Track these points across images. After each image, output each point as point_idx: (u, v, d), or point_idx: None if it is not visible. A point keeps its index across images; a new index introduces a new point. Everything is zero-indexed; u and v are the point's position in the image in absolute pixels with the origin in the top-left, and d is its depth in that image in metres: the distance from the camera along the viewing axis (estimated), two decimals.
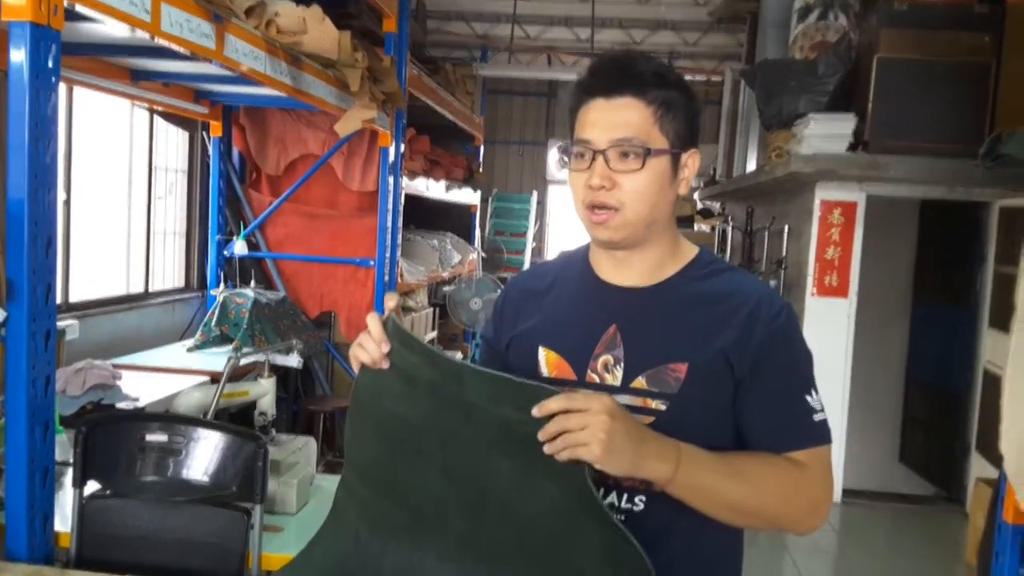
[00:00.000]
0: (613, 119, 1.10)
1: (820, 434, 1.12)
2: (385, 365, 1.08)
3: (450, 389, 1.05)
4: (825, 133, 4.41)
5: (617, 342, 1.14)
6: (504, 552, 1.07)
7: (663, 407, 1.10)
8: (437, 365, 1.06)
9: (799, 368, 1.14)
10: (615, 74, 1.12)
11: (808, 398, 1.12)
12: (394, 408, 1.10)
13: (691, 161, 1.16)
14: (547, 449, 0.97)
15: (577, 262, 1.25)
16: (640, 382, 1.11)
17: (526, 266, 9.16)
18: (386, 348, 1.06)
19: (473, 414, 1.04)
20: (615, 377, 1.13)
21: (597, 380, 1.14)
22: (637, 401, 1.11)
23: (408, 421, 1.09)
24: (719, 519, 1.09)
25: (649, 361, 1.12)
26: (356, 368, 1.12)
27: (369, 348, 1.07)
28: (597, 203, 1.11)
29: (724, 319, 1.12)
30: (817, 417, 1.12)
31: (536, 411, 0.97)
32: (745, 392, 1.11)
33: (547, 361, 1.18)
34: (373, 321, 1.07)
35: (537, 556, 1.05)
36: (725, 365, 1.10)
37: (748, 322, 1.11)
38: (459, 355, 7.03)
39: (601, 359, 1.14)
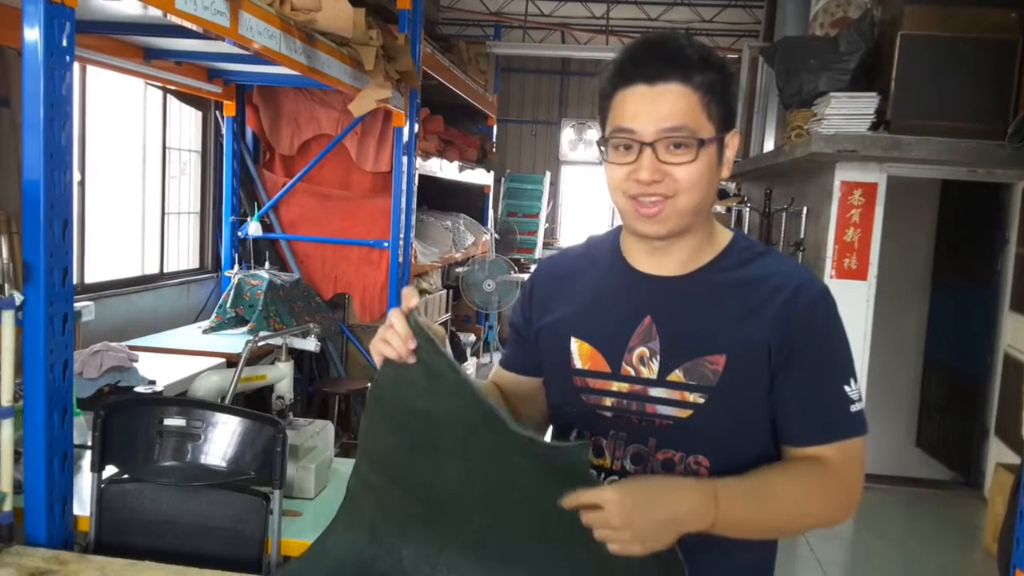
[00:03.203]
0: (659, 109, 1.04)
1: (855, 426, 1.09)
2: (411, 360, 1.04)
3: (467, 397, 1.03)
4: (846, 112, 4.33)
5: (652, 334, 1.11)
6: (528, 543, 1.06)
7: (701, 400, 1.07)
8: (455, 373, 1.04)
9: (837, 356, 1.10)
10: (659, 58, 1.05)
11: (846, 388, 1.08)
12: (415, 402, 1.08)
13: (732, 142, 1.11)
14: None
15: (607, 249, 1.21)
16: (677, 375, 1.08)
17: (539, 247, 9.12)
18: (412, 345, 1.02)
19: (495, 424, 1.02)
20: (651, 370, 1.10)
21: (632, 373, 1.11)
22: (675, 395, 1.09)
23: (428, 415, 1.07)
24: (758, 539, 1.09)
25: (686, 353, 1.08)
26: (379, 362, 1.08)
27: (395, 343, 1.03)
28: (647, 194, 1.06)
29: (761, 306, 1.08)
30: (854, 408, 1.08)
31: (568, 502, 0.96)
32: (781, 380, 1.08)
33: (579, 352, 1.15)
34: (398, 318, 1.02)
35: (564, 546, 1.03)
36: (763, 354, 1.07)
37: (785, 308, 1.07)
38: (472, 337, 7.02)
39: (636, 351, 1.11)
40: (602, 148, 1.10)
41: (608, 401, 1.12)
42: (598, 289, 1.19)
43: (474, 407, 1.02)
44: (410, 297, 1.03)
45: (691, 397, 1.08)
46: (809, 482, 1.06)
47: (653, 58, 1.05)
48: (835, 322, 1.11)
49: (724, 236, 1.17)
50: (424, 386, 1.06)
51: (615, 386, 1.12)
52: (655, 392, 1.09)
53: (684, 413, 1.08)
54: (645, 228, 1.09)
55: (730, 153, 1.11)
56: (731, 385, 1.07)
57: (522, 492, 1.04)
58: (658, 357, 1.10)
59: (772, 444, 1.11)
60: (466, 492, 1.07)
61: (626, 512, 0.93)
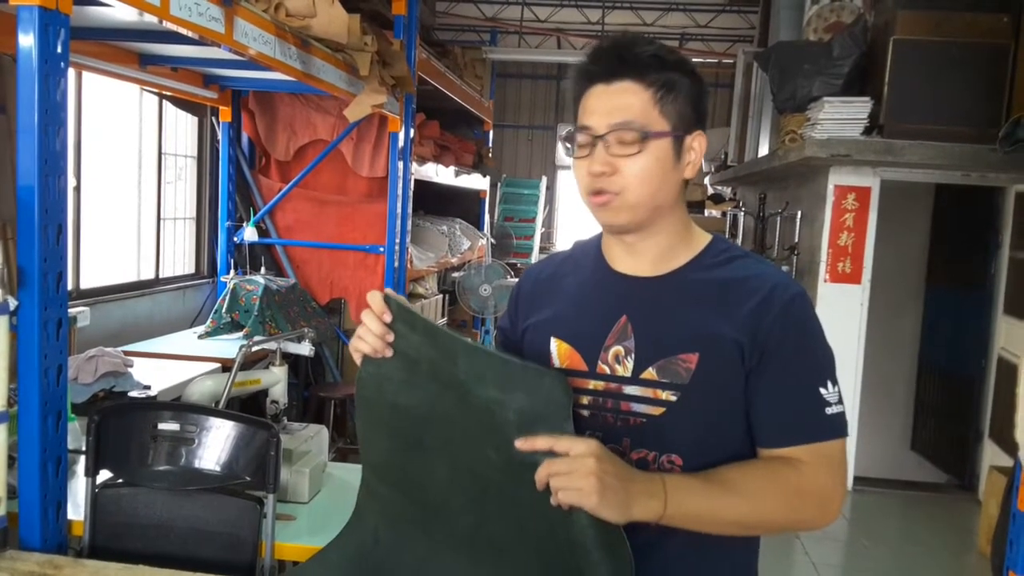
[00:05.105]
0: (612, 104, 1.09)
1: (831, 428, 1.08)
2: (388, 353, 1.08)
3: (448, 370, 1.05)
4: (840, 117, 4.36)
5: (628, 333, 1.12)
6: (507, 541, 1.07)
7: (674, 398, 1.09)
8: (437, 341, 1.06)
9: (812, 358, 1.10)
10: (614, 58, 1.10)
11: (822, 390, 1.08)
12: (396, 399, 1.10)
13: (697, 143, 1.13)
14: (552, 500, 0.98)
15: (590, 251, 1.24)
16: (651, 373, 1.10)
17: (535, 252, 9.14)
18: (388, 318, 1.07)
19: (466, 398, 1.04)
20: (626, 368, 1.11)
21: (608, 371, 1.12)
22: (648, 393, 1.10)
23: (410, 411, 1.10)
24: (727, 535, 1.08)
25: (659, 352, 1.10)
26: (358, 361, 1.12)
27: (369, 337, 1.08)
28: (597, 188, 1.10)
29: (736, 306, 1.09)
30: (831, 410, 1.08)
31: (521, 444, 0.99)
32: (754, 381, 1.08)
33: (559, 352, 1.17)
34: (373, 296, 1.08)
35: (536, 545, 1.05)
36: (736, 354, 1.08)
37: (760, 309, 1.08)
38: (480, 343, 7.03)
39: (612, 350, 1.13)
40: (568, 146, 1.15)
41: (585, 400, 1.13)
42: (579, 290, 1.21)
43: (448, 351, 1.04)
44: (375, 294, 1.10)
45: (664, 395, 1.09)
46: (769, 479, 1.06)
47: (609, 58, 1.11)
48: (811, 324, 1.11)
49: (702, 239, 1.19)
50: (403, 379, 1.08)
51: (591, 384, 1.13)
52: (629, 390, 1.11)
53: (657, 411, 1.09)
54: (601, 217, 1.13)
55: (694, 155, 1.14)
56: (703, 383, 1.08)
57: (496, 488, 1.05)
58: (633, 355, 1.11)
59: (747, 445, 1.11)
60: (454, 489, 1.09)
61: (596, 460, 0.96)
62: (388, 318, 1.07)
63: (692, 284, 1.14)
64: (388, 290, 1.11)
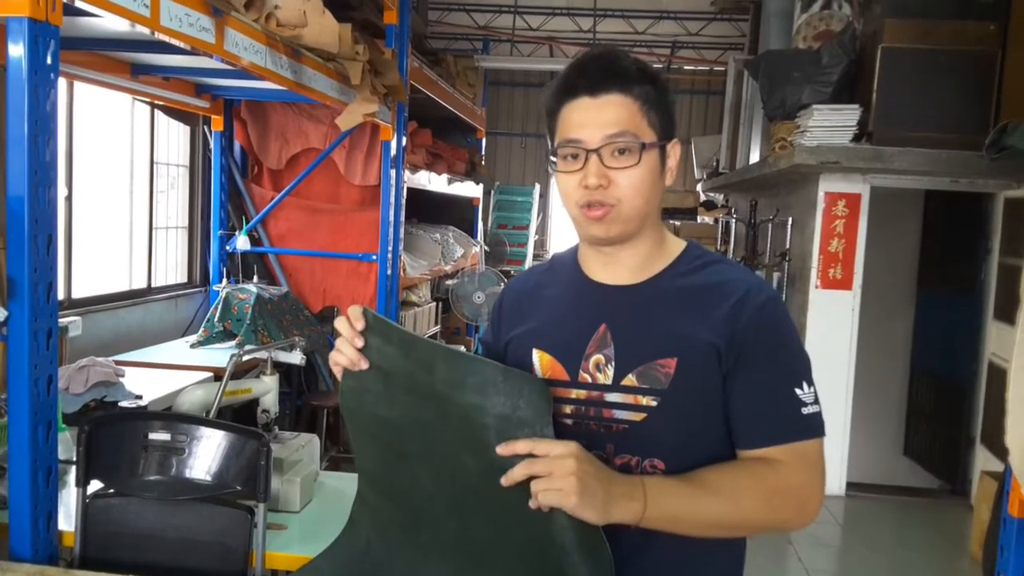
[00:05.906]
0: (602, 116, 1.10)
1: (808, 428, 1.09)
2: (364, 365, 1.09)
3: (424, 381, 1.05)
4: (829, 124, 4.39)
5: (608, 341, 1.14)
6: (491, 546, 1.08)
7: (654, 403, 1.10)
8: (413, 351, 1.07)
9: (786, 359, 1.12)
10: (600, 72, 1.11)
11: (798, 391, 1.09)
12: (376, 410, 1.11)
13: (674, 151, 1.16)
14: (531, 503, 0.98)
15: (568, 263, 1.26)
16: (631, 380, 1.11)
17: (529, 259, 9.15)
18: (360, 343, 1.08)
19: (444, 406, 1.04)
20: (607, 376, 1.13)
21: (589, 380, 1.14)
22: (629, 399, 1.11)
23: (391, 421, 1.10)
24: (705, 537, 1.09)
25: (639, 358, 1.12)
26: (338, 375, 1.13)
27: (346, 348, 1.09)
28: (594, 201, 1.11)
29: (711, 310, 1.11)
30: (807, 410, 1.09)
31: (502, 449, 0.99)
32: (731, 383, 1.10)
33: (541, 363, 1.18)
34: (354, 312, 1.09)
35: (518, 548, 1.06)
36: (713, 357, 1.09)
37: (734, 312, 1.10)
38: (462, 349, 7.03)
39: (592, 359, 1.14)
40: (553, 160, 1.16)
41: (568, 409, 1.15)
42: (558, 301, 1.23)
43: (423, 360, 1.05)
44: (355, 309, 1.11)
45: (644, 400, 1.10)
46: (748, 478, 1.07)
47: (594, 72, 1.12)
48: (785, 326, 1.13)
49: (677, 246, 1.21)
50: (380, 391, 1.09)
51: (574, 393, 1.15)
52: (611, 397, 1.12)
53: (638, 416, 1.11)
54: (595, 231, 1.14)
55: (672, 162, 1.17)
56: (682, 387, 1.09)
57: (477, 495, 1.06)
58: (613, 363, 1.13)
59: (728, 447, 1.13)
60: (438, 496, 1.10)
61: (576, 461, 0.97)
62: (360, 325, 1.08)
63: (668, 290, 1.16)
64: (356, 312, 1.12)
